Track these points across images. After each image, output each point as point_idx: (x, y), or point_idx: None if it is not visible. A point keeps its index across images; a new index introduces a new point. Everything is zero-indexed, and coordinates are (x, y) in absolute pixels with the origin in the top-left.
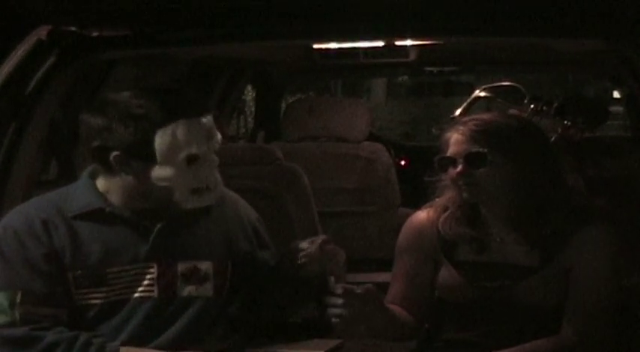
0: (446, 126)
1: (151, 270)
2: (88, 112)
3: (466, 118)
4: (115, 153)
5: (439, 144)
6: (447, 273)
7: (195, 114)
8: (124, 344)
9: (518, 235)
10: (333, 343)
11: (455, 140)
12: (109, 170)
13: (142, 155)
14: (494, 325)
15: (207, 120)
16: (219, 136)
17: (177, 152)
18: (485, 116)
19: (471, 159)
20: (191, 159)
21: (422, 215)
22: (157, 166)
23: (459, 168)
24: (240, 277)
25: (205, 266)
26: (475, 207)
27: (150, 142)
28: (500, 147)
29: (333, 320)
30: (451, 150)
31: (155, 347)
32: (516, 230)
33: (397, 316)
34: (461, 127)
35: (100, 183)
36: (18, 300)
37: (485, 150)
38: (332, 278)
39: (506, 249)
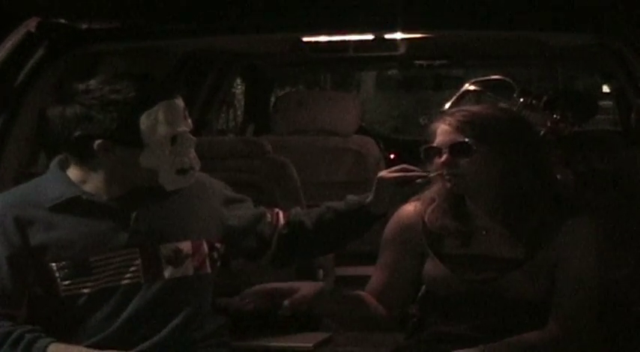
0: (434, 117)
1: (135, 256)
2: (58, 104)
3: (454, 109)
4: (98, 141)
5: (427, 134)
6: (432, 266)
7: (171, 96)
8: (115, 331)
9: (504, 228)
10: (322, 336)
11: (441, 130)
12: (87, 159)
13: (127, 140)
14: (481, 318)
15: (179, 100)
16: (189, 119)
17: (162, 134)
18: (474, 108)
19: (455, 149)
20: (174, 140)
21: (409, 208)
22: (143, 149)
23: (444, 157)
24: (224, 249)
25: (185, 246)
26: (461, 199)
27: (135, 126)
28: (485, 137)
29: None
30: (437, 140)
31: (147, 333)
32: (502, 222)
33: (361, 303)
34: (448, 118)
35: (73, 172)
36: None
37: (470, 140)
38: (320, 271)
39: (491, 242)
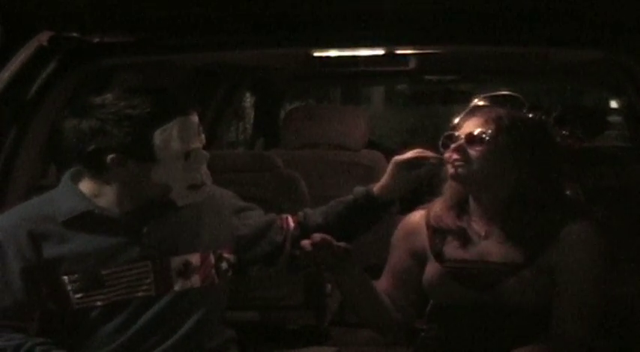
0: (473, 111)
1: (147, 269)
2: (73, 117)
3: (492, 108)
4: (111, 155)
5: (457, 125)
6: (433, 271)
7: (187, 112)
8: (124, 343)
9: (502, 232)
10: (329, 350)
11: (469, 122)
12: (100, 173)
13: (140, 155)
14: (484, 327)
15: (194, 116)
16: (202, 132)
17: (175, 149)
18: (512, 111)
19: (471, 138)
20: (187, 156)
21: (417, 214)
22: (155, 165)
23: (457, 143)
24: (237, 259)
25: (194, 258)
26: (465, 198)
27: (148, 142)
28: (507, 132)
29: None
30: (460, 130)
31: (155, 345)
32: (500, 226)
33: (383, 300)
34: (480, 114)
35: (86, 186)
36: None
37: (490, 131)
38: (328, 286)
39: (489, 246)
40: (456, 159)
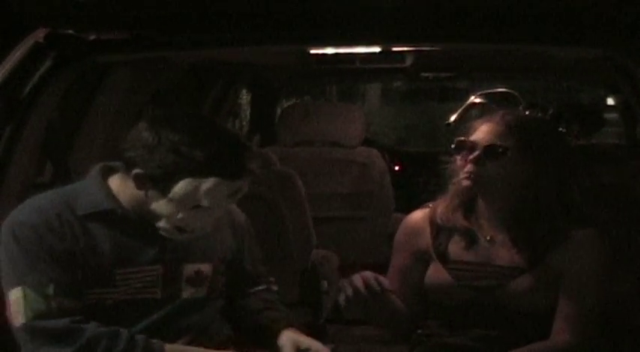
0: (485, 116)
1: (158, 273)
2: (145, 122)
3: (502, 112)
4: (137, 170)
5: (465, 128)
6: (435, 271)
7: (231, 177)
8: None
9: (508, 235)
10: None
11: (485, 127)
12: (129, 175)
13: (159, 186)
14: (485, 329)
15: (238, 183)
16: (245, 189)
17: (190, 201)
18: (520, 114)
19: (490, 150)
20: (196, 207)
21: (419, 213)
22: (164, 200)
23: (475, 154)
24: (229, 280)
25: (206, 268)
26: (474, 198)
27: (174, 181)
28: (524, 144)
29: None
30: (476, 136)
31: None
32: (508, 229)
33: (393, 301)
34: (496, 119)
35: (115, 182)
36: (51, 293)
37: (509, 145)
38: (324, 283)
39: (494, 249)
40: (471, 172)
